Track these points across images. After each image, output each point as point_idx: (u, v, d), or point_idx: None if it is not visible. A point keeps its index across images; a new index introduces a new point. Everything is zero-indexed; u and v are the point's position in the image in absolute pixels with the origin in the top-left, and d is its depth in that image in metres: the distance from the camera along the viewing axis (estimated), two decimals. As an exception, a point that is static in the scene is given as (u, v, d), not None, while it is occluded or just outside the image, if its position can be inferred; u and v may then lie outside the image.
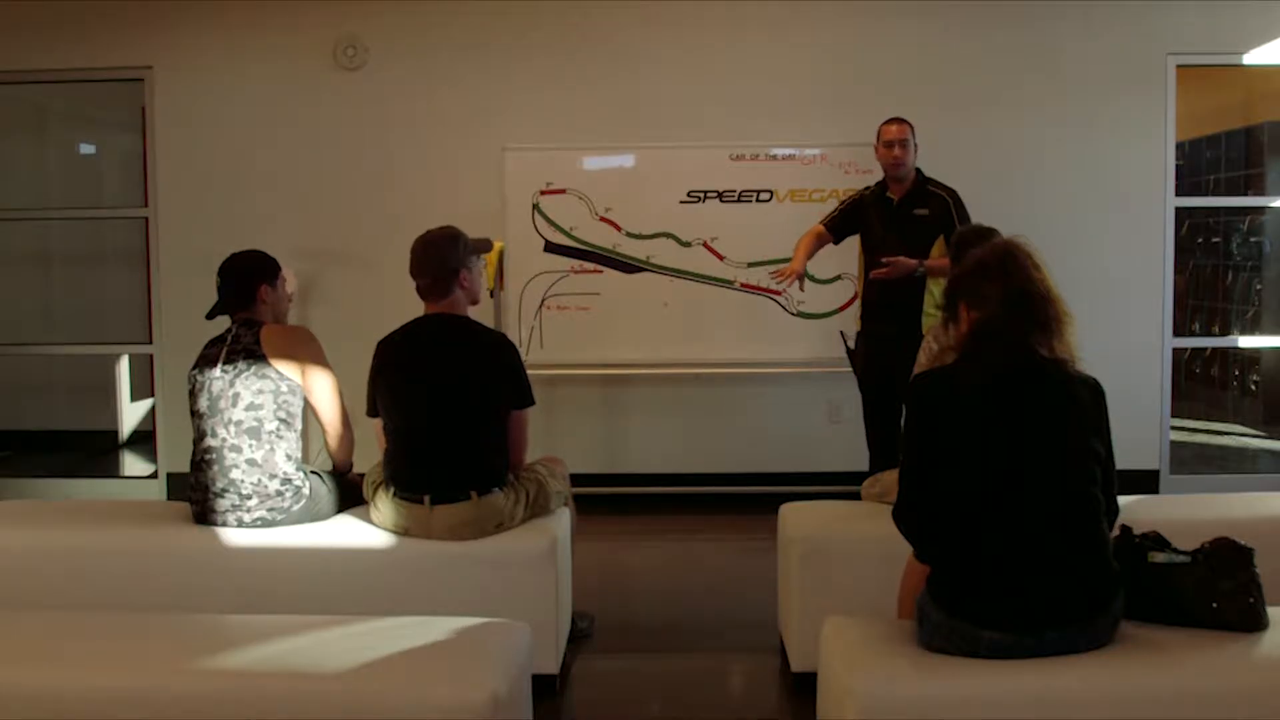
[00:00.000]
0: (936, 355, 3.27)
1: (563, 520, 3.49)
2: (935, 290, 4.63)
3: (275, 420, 3.28)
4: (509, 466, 3.37)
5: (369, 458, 3.51)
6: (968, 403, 2.32)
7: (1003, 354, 2.33)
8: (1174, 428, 6.02)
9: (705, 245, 5.49)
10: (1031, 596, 2.23)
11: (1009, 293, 2.34)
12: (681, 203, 5.48)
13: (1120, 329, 5.59)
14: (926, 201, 4.65)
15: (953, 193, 4.68)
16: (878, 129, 4.69)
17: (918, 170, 4.71)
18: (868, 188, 4.84)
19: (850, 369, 4.91)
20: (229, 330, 3.38)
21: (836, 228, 4.79)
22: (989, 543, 2.26)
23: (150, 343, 5.93)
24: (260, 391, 3.26)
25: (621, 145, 5.55)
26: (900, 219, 4.62)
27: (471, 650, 2.43)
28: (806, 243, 4.72)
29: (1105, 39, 5.62)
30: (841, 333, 5.01)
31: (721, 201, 5.47)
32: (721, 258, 5.49)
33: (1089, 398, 2.34)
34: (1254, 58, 5.65)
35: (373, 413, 3.41)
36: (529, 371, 3.44)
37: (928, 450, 2.35)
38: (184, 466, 3.54)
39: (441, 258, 3.32)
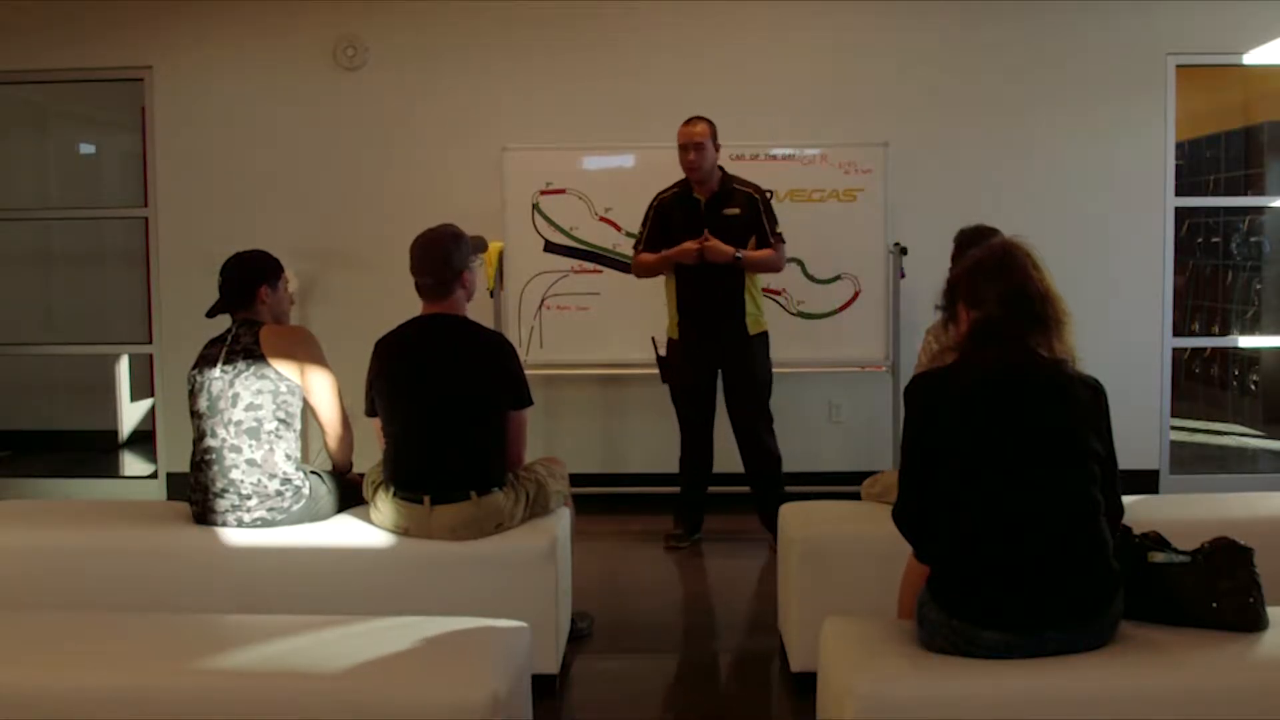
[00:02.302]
0: (936, 355, 3.27)
1: (563, 520, 3.49)
2: (755, 292, 4.72)
3: (275, 420, 3.28)
4: (508, 466, 3.37)
5: (369, 458, 3.52)
6: (966, 403, 2.32)
7: (1001, 354, 2.33)
8: (1174, 428, 6.02)
9: (705, 245, 5.48)
10: (1031, 596, 2.23)
11: (1007, 293, 2.33)
12: (681, 203, 5.48)
13: (1120, 329, 5.59)
14: (735, 200, 4.67)
15: (759, 190, 4.71)
16: (679, 130, 4.69)
17: (721, 169, 4.72)
18: (665, 192, 4.79)
19: (660, 375, 4.86)
20: (229, 330, 3.38)
21: (652, 246, 4.75)
22: (988, 543, 2.26)
23: (150, 343, 5.93)
24: (259, 392, 3.26)
25: (621, 145, 5.54)
26: (710, 220, 4.62)
27: (471, 650, 2.43)
28: (647, 256, 4.73)
29: (1105, 39, 5.62)
30: (653, 338, 4.92)
31: (721, 201, 5.46)
32: (721, 258, 5.49)
33: (1088, 397, 2.33)
34: (1254, 58, 5.66)
35: (371, 413, 3.41)
36: (529, 371, 3.45)
37: (927, 450, 2.35)
38: (184, 466, 3.54)
39: (446, 258, 3.32)
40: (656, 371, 5.00)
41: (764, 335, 4.79)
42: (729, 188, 4.70)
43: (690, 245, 4.57)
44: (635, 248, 4.83)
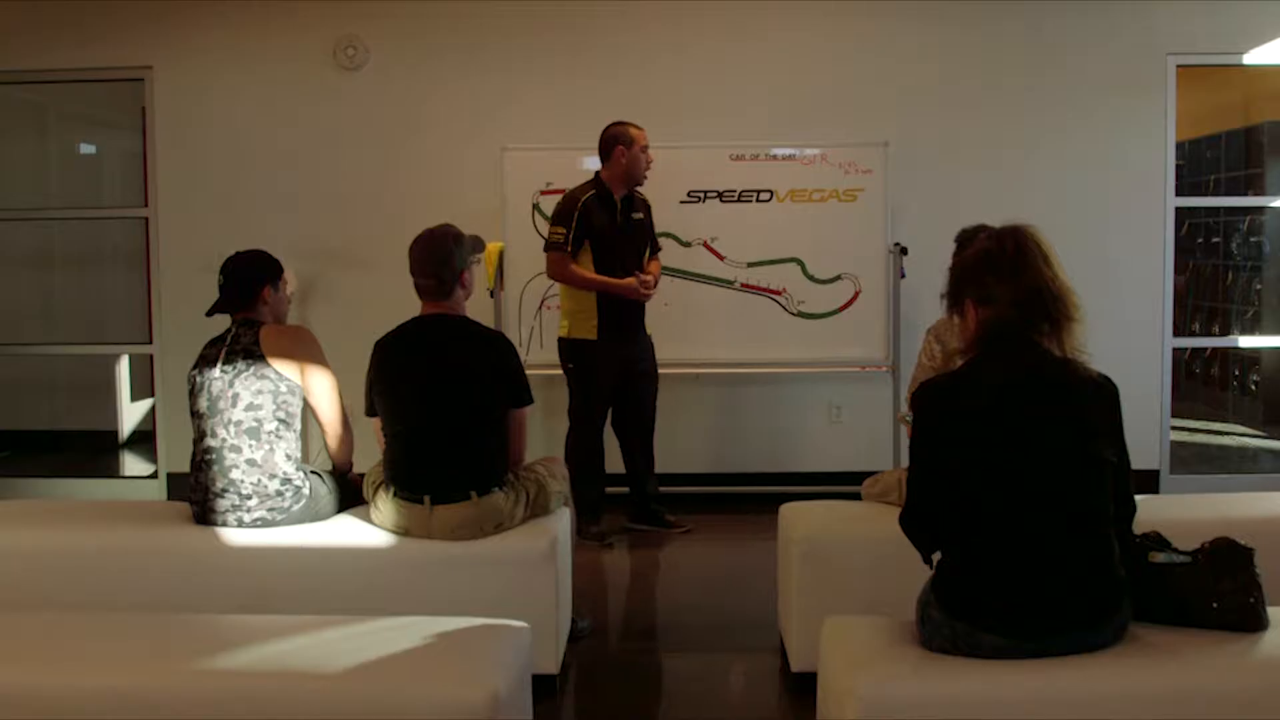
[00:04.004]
0: (946, 357, 3.26)
1: (563, 520, 3.49)
2: None
3: (275, 420, 3.28)
4: (508, 466, 3.37)
5: (369, 458, 3.51)
6: (977, 408, 2.28)
7: (1014, 359, 2.29)
8: (1174, 428, 6.02)
9: (705, 245, 5.49)
10: (1035, 602, 2.23)
11: (1021, 293, 2.27)
12: (681, 203, 5.48)
13: (1120, 329, 5.58)
14: (637, 205, 4.92)
15: (645, 197, 4.98)
16: (628, 131, 4.79)
17: None
18: (583, 192, 4.82)
19: (569, 377, 4.94)
20: (228, 330, 3.38)
21: (576, 247, 4.79)
22: (994, 548, 2.25)
23: (150, 343, 5.93)
24: (259, 392, 3.26)
25: (622, 145, 5.53)
26: (625, 221, 4.86)
27: (471, 650, 2.43)
28: (583, 274, 4.80)
29: (1105, 39, 5.61)
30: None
31: (721, 201, 5.47)
32: (722, 258, 5.49)
33: (1100, 400, 2.30)
34: (1254, 58, 5.65)
35: (371, 413, 3.41)
36: (528, 371, 3.45)
37: (937, 457, 2.32)
38: (184, 466, 3.54)
39: (446, 258, 3.32)
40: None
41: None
42: (631, 194, 4.91)
43: (637, 287, 4.80)
44: (561, 248, 4.78)
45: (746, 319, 5.49)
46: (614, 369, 4.89)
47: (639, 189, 4.94)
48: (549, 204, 5.45)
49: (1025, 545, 2.24)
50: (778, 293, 5.48)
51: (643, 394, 5.03)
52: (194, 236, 5.66)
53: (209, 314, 3.46)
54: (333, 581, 3.19)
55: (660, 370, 5.42)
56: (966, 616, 2.25)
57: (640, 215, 4.94)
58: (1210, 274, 7.99)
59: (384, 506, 3.28)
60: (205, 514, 3.30)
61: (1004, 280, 2.30)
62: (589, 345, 4.86)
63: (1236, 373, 7.78)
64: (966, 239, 3.54)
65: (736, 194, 5.46)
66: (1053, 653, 2.23)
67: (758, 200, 5.47)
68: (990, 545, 2.26)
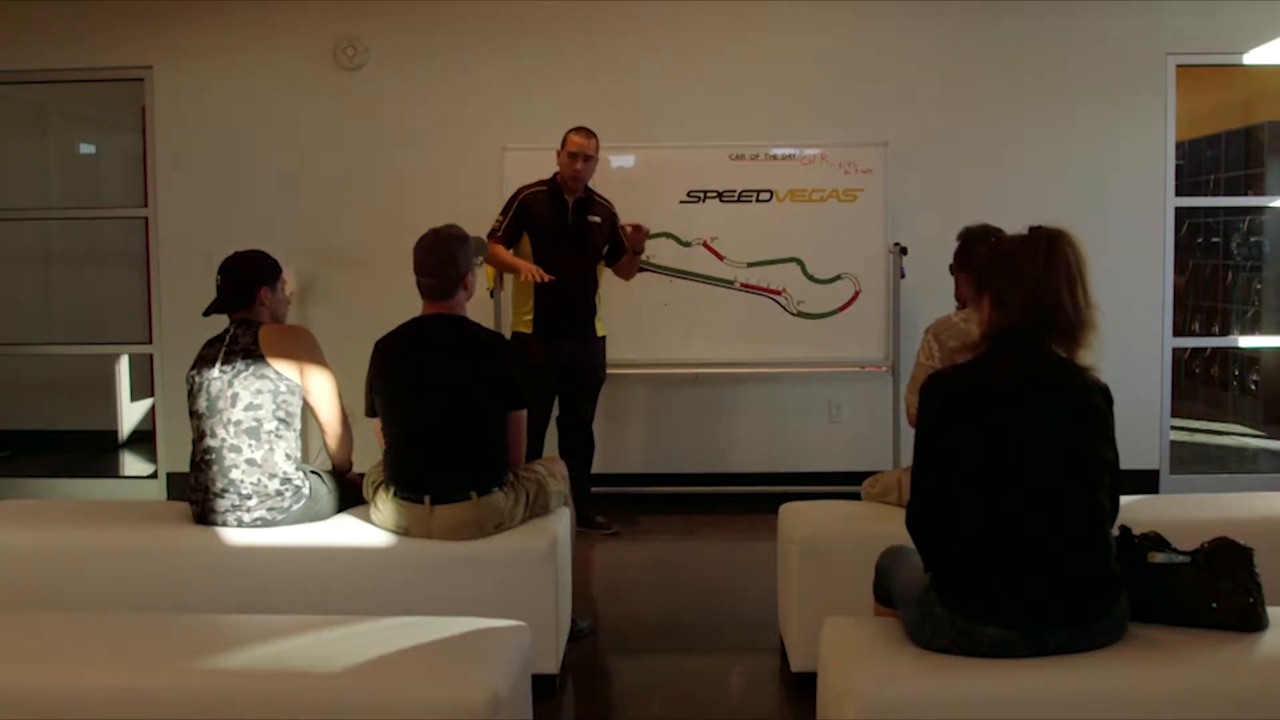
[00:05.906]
0: (952, 352, 3.25)
1: (563, 520, 3.49)
2: (601, 298, 4.97)
3: (274, 420, 3.28)
4: (508, 466, 3.37)
5: (369, 458, 3.51)
6: (983, 404, 2.30)
7: (1022, 356, 2.31)
8: (1174, 428, 6.02)
9: (705, 245, 5.49)
10: (1032, 596, 2.24)
11: (1040, 306, 2.29)
12: (681, 203, 5.48)
13: (1120, 329, 5.55)
14: (596, 210, 4.88)
15: (612, 205, 4.95)
16: (566, 135, 4.79)
17: None
18: (531, 187, 4.82)
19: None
20: (227, 330, 3.38)
21: (509, 237, 4.76)
22: (993, 543, 2.26)
23: (150, 343, 5.93)
24: (259, 391, 3.26)
25: (621, 145, 5.52)
26: (577, 222, 4.81)
27: (471, 650, 2.43)
28: (505, 255, 4.74)
29: (1105, 39, 5.62)
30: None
31: (721, 201, 5.47)
32: (721, 258, 5.49)
33: (1101, 405, 2.32)
34: (1254, 58, 5.65)
35: (371, 413, 3.41)
36: (528, 372, 3.45)
37: (942, 450, 2.33)
38: (184, 466, 3.54)
39: (452, 259, 3.32)
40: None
41: (604, 339, 5.01)
42: (591, 197, 4.89)
43: (540, 273, 4.58)
44: (493, 234, 4.75)
45: (746, 319, 5.49)
46: (553, 368, 4.76)
47: (600, 197, 4.92)
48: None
49: (1024, 540, 2.25)
50: (778, 293, 5.48)
51: (581, 392, 4.94)
52: (194, 236, 5.66)
53: (206, 314, 3.46)
54: (333, 581, 3.19)
55: (661, 370, 5.45)
56: (966, 610, 2.25)
57: (597, 219, 4.86)
58: (1210, 274, 7.99)
59: (384, 506, 3.28)
60: (205, 514, 3.30)
61: (1027, 290, 2.31)
62: (524, 340, 4.78)
63: (1236, 373, 7.78)
64: (971, 237, 3.55)
65: (736, 194, 5.47)
66: (1051, 647, 2.24)
67: (758, 200, 5.47)
68: (990, 538, 2.27)
